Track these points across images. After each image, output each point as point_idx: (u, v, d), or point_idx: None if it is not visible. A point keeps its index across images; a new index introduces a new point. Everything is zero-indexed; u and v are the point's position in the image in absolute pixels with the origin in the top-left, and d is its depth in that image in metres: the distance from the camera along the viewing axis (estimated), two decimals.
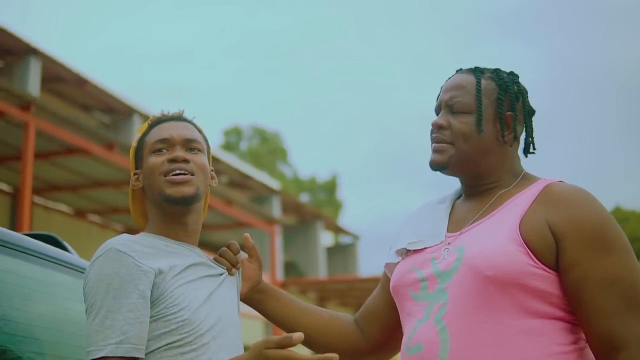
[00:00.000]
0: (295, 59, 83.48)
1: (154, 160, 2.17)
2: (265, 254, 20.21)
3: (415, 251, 2.20)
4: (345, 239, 28.96)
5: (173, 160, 2.16)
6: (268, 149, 41.57)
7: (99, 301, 1.97)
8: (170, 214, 2.17)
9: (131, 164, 2.26)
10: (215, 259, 2.26)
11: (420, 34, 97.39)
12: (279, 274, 20.55)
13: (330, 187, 42.91)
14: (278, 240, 20.66)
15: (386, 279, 2.35)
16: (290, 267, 24.59)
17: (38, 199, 15.52)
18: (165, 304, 2.02)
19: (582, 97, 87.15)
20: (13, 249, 2.47)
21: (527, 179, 2.17)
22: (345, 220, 43.84)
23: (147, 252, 2.05)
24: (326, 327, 2.38)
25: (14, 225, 12.77)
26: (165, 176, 2.15)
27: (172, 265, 2.07)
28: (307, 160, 78.96)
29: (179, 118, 2.26)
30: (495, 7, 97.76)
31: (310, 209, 24.57)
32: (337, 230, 27.42)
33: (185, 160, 2.16)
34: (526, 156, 2.25)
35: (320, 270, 23.74)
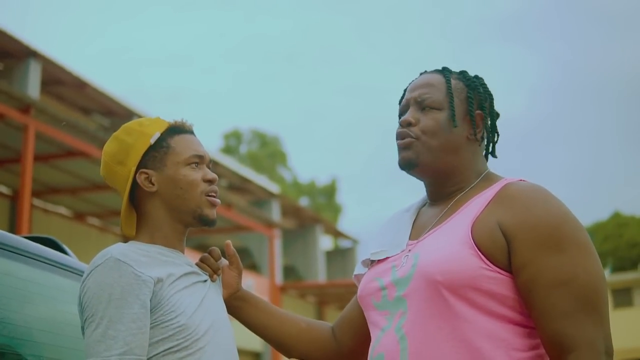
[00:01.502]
0: (294, 64, 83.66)
1: (194, 175, 2.18)
2: (264, 257, 20.21)
3: (379, 261, 2.19)
4: (344, 243, 28.99)
5: (210, 182, 2.20)
6: (268, 152, 41.61)
7: (101, 311, 1.96)
8: (183, 226, 2.20)
9: (133, 157, 2.18)
10: (196, 265, 2.25)
11: (420, 39, 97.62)
12: (278, 278, 20.54)
13: (329, 191, 42.94)
14: (277, 244, 20.67)
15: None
16: (289, 271, 24.60)
17: (37, 202, 15.52)
18: (163, 311, 2.02)
19: (582, 101, 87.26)
20: (12, 252, 2.47)
21: (489, 179, 2.15)
22: (344, 224, 43.92)
23: (144, 261, 2.05)
24: (302, 336, 2.39)
25: (13, 228, 12.77)
26: (206, 195, 2.18)
27: (169, 273, 2.07)
28: (306, 164, 79.03)
29: (193, 132, 2.27)
30: (496, 11, 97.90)
31: (310, 213, 24.58)
32: (337, 234, 27.43)
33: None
34: (494, 157, 2.24)
35: (320, 274, 23.73)
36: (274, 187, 21.91)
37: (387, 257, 2.17)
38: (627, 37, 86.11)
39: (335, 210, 42.68)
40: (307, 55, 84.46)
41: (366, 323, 2.24)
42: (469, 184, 2.15)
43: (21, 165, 11.80)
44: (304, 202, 39.90)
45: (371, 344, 2.12)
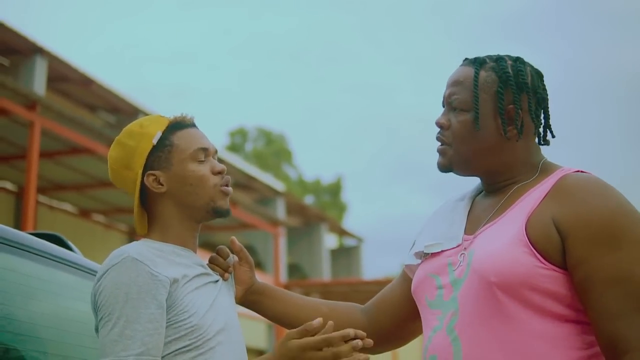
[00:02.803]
0: (300, 61, 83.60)
1: (202, 169, 2.15)
2: (269, 255, 20.22)
3: (433, 254, 2.13)
4: (349, 242, 28.95)
5: (220, 173, 2.17)
6: (273, 150, 41.59)
7: (118, 310, 1.94)
8: (196, 222, 2.17)
9: (138, 161, 2.15)
10: (207, 266, 2.23)
11: (424, 37, 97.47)
12: (283, 276, 20.55)
13: (334, 189, 42.91)
14: (282, 242, 20.67)
15: (405, 275, 2.31)
16: (294, 269, 24.60)
17: (43, 198, 15.55)
18: (176, 311, 2.01)
19: (583, 101, 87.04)
20: (17, 248, 2.47)
21: (546, 171, 2.06)
22: (349, 222, 43.89)
23: (159, 262, 2.04)
24: (326, 321, 2.35)
25: (19, 224, 12.79)
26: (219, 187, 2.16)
27: (184, 274, 2.06)
28: (311, 162, 78.98)
29: (195, 125, 2.24)
30: (499, 11, 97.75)
31: (315, 211, 24.57)
32: (342, 232, 27.41)
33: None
34: (548, 144, 2.14)
35: (324, 273, 23.72)
36: (279, 185, 21.91)
37: (443, 251, 2.11)
38: (628, 37, 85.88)
39: (340, 208, 42.64)
40: (312, 53, 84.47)
41: (408, 307, 2.24)
42: (523, 177, 2.07)
43: (27, 162, 11.81)
44: (309, 200, 39.88)
45: (423, 342, 2.08)
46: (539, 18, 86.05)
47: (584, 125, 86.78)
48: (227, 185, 2.18)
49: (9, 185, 15.09)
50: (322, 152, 71.17)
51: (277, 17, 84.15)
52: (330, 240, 27.34)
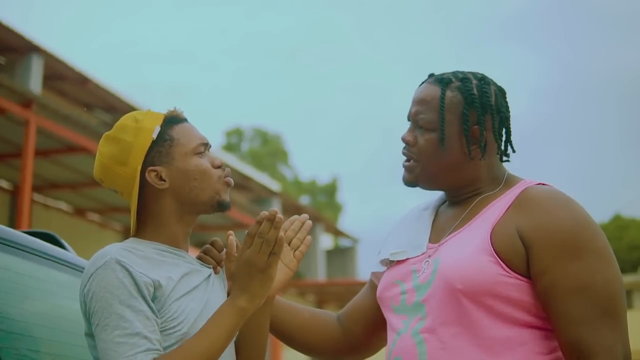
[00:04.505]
0: (296, 61, 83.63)
1: (205, 163, 2.12)
2: None
3: (398, 262, 2.19)
4: (344, 242, 28.98)
5: (220, 167, 2.14)
6: (269, 150, 41.61)
7: (114, 313, 1.90)
8: (195, 217, 2.14)
9: (136, 156, 2.08)
10: (199, 257, 2.20)
11: (422, 37, 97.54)
12: None
13: (330, 190, 42.94)
14: None
15: (373, 283, 2.36)
16: None
17: (38, 197, 15.52)
18: (165, 318, 1.97)
19: (583, 103, 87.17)
20: (11, 247, 2.46)
21: (509, 183, 2.13)
22: (345, 223, 43.80)
23: (141, 263, 1.99)
24: (307, 327, 2.36)
25: (13, 223, 12.77)
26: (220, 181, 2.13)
27: (168, 277, 2.01)
28: (307, 163, 79.15)
29: (187, 120, 2.20)
30: (499, 11, 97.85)
31: (310, 212, 24.57)
32: (337, 233, 27.42)
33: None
34: (509, 159, 2.20)
35: (320, 273, 23.72)
36: (275, 185, 21.91)
37: (407, 259, 2.16)
38: (629, 39, 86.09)
39: (336, 209, 42.67)
40: (309, 53, 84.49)
41: (377, 314, 2.26)
42: (487, 188, 2.14)
43: (22, 160, 11.79)
44: (304, 200, 39.88)
45: (387, 346, 2.13)
46: (539, 18, 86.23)
47: (584, 125, 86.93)
48: (228, 177, 2.16)
49: (4, 184, 15.07)
50: (319, 153, 71.29)
51: (274, 17, 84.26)
52: (325, 241, 27.34)
